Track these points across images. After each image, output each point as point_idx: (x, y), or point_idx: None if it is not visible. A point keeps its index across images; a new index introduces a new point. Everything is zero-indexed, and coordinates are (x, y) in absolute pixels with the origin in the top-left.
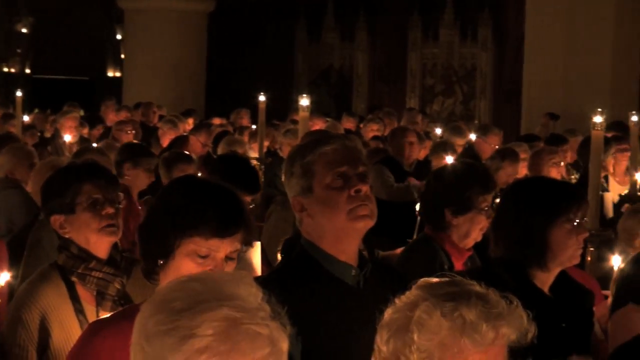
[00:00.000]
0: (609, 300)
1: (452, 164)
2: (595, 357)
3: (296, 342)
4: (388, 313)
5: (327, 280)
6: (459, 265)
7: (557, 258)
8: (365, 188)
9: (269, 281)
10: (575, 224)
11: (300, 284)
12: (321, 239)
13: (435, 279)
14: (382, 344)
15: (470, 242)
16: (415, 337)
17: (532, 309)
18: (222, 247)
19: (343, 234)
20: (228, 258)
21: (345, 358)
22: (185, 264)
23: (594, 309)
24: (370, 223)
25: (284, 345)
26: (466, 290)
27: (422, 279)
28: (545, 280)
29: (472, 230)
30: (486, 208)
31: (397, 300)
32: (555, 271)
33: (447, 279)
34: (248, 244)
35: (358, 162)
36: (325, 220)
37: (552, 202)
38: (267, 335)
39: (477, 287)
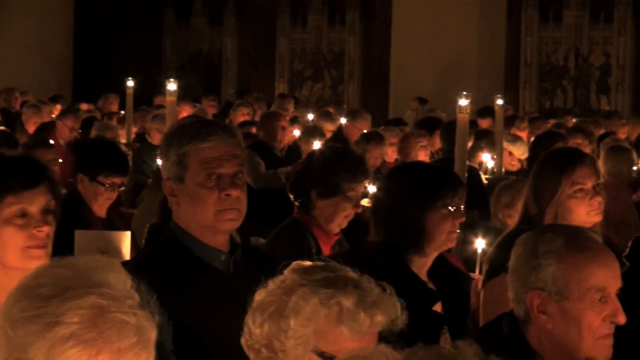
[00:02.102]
0: (476, 281)
1: (326, 147)
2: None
3: (167, 328)
4: (260, 295)
5: (196, 266)
6: (326, 249)
7: (433, 242)
8: (236, 193)
9: (137, 266)
10: (451, 208)
11: (169, 269)
12: (189, 226)
13: (309, 263)
14: (255, 327)
15: (334, 227)
16: (292, 322)
17: (407, 294)
18: (36, 200)
19: (209, 229)
20: (45, 212)
21: (216, 342)
22: (6, 232)
23: None
24: (236, 225)
25: (152, 335)
26: (342, 277)
27: (295, 262)
28: (422, 265)
29: (336, 215)
30: (354, 196)
31: (270, 283)
32: (432, 256)
33: (321, 263)
34: (57, 198)
35: (235, 161)
36: (192, 213)
37: (428, 187)
38: (135, 324)
39: (352, 273)
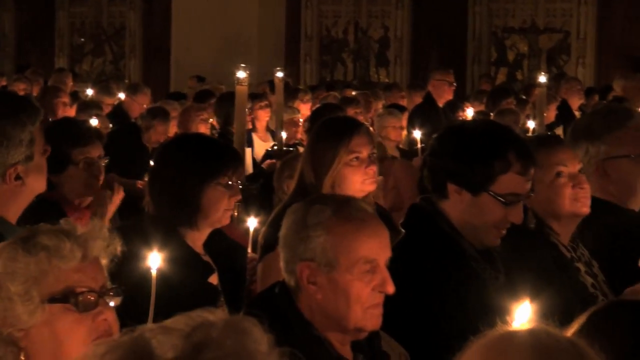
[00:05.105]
0: (252, 256)
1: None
2: None
3: None
4: None
5: None
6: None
7: (208, 218)
8: None
9: None
10: (229, 184)
11: None
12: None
13: None
14: None
15: (85, 199)
16: (11, 287)
17: (181, 266)
18: None
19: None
20: None
21: None
22: None
23: None
24: None
25: None
26: (41, 227)
27: None
28: (196, 238)
29: (76, 185)
30: (82, 160)
31: None
32: (206, 230)
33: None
34: None
35: None
36: (35, 185)
37: (207, 163)
38: None
39: (49, 225)
